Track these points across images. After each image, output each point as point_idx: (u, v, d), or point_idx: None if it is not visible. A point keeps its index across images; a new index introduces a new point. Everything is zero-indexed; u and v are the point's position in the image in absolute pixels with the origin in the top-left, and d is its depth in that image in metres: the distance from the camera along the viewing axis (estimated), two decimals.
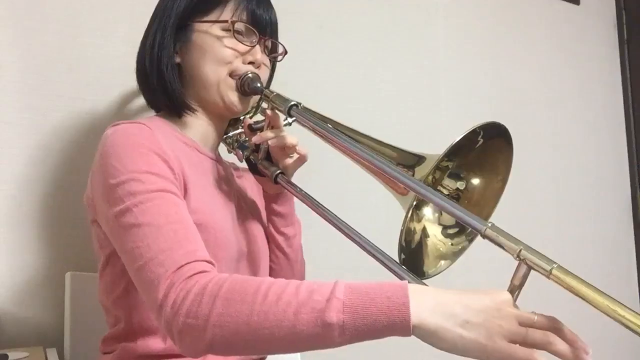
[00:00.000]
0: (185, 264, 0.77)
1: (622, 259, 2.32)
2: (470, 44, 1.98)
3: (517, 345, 0.65)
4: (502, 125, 0.87)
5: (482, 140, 0.88)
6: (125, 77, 1.22)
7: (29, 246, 1.20)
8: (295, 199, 1.06)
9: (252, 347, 0.72)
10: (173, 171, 0.88)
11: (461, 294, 0.68)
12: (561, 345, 0.66)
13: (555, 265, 0.65)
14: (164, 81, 0.99)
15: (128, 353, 0.92)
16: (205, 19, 0.99)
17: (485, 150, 0.89)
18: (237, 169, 1.14)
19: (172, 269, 0.76)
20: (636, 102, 2.40)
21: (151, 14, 1.04)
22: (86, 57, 1.28)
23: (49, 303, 1.20)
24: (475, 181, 0.93)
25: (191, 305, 0.72)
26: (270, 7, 1.05)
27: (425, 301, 0.67)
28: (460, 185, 0.94)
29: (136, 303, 0.92)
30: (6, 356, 0.99)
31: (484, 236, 0.72)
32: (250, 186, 1.14)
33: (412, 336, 0.68)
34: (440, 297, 0.68)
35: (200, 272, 0.76)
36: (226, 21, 0.98)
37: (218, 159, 1.07)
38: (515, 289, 0.69)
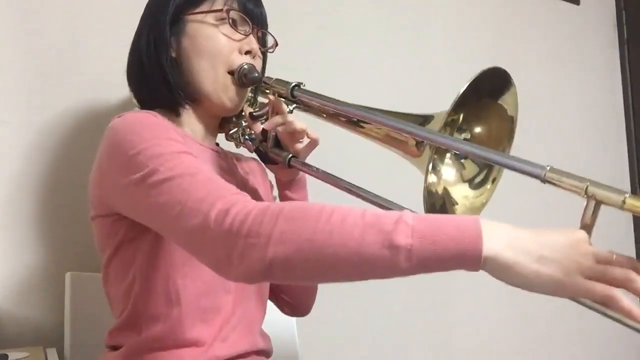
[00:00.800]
0: (232, 194, 0.76)
1: None
2: (469, 44, 1.98)
3: (595, 282, 0.63)
4: (501, 69, 0.86)
5: (483, 89, 0.87)
6: (125, 78, 1.22)
7: (28, 246, 1.20)
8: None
9: (313, 268, 0.69)
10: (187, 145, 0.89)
11: (536, 232, 0.66)
12: None
13: (627, 195, 0.63)
14: (165, 75, 0.98)
15: (135, 348, 0.91)
16: (198, 10, 1.00)
17: (487, 97, 0.88)
18: (239, 159, 1.14)
19: (220, 198, 0.74)
20: (636, 102, 2.40)
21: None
22: (86, 57, 1.28)
23: (49, 303, 1.20)
24: (478, 129, 0.91)
25: (252, 225, 0.70)
26: (259, 2, 1.05)
27: (500, 235, 0.65)
28: (466, 135, 0.91)
29: (142, 291, 0.92)
30: (6, 356, 0.99)
31: (545, 180, 0.68)
32: (254, 176, 1.14)
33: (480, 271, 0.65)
34: (515, 232, 0.66)
35: (252, 201, 0.74)
36: (221, 10, 0.99)
37: (218, 150, 1.07)
38: (587, 228, 0.67)
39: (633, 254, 2.35)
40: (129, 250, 0.92)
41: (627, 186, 2.38)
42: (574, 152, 2.23)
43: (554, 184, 0.68)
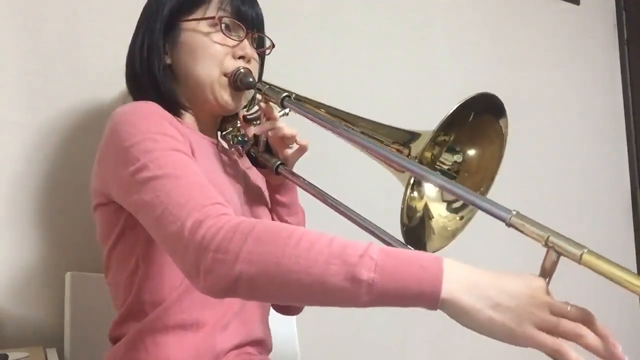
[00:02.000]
0: (211, 204, 0.77)
1: (622, 259, 2.31)
2: (470, 44, 1.98)
3: (546, 334, 0.64)
4: (493, 95, 0.87)
5: (475, 112, 0.88)
6: (124, 78, 1.21)
7: (29, 246, 1.20)
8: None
9: (276, 290, 0.71)
10: (184, 140, 0.90)
11: (496, 277, 0.67)
12: (592, 339, 0.64)
13: (585, 250, 0.64)
14: (156, 82, 0.99)
15: (137, 333, 0.91)
16: (192, 17, 1.00)
17: (479, 120, 0.90)
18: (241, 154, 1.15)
19: (198, 209, 0.76)
20: (636, 102, 2.40)
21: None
22: (86, 57, 1.28)
23: (49, 303, 1.20)
24: (472, 152, 0.93)
25: (222, 241, 0.72)
26: (254, 3, 1.06)
27: (460, 278, 0.66)
28: (458, 158, 0.94)
29: (146, 277, 0.92)
30: (6, 356, 0.99)
31: (509, 225, 0.69)
32: (252, 171, 1.14)
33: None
34: (475, 276, 0.67)
35: (228, 214, 0.76)
36: (213, 17, 0.99)
37: (218, 144, 1.07)
38: (546, 276, 0.68)
39: (633, 256, 2.35)
40: (130, 238, 0.93)
41: (627, 186, 2.38)
42: (574, 152, 2.23)
43: (517, 229, 0.69)
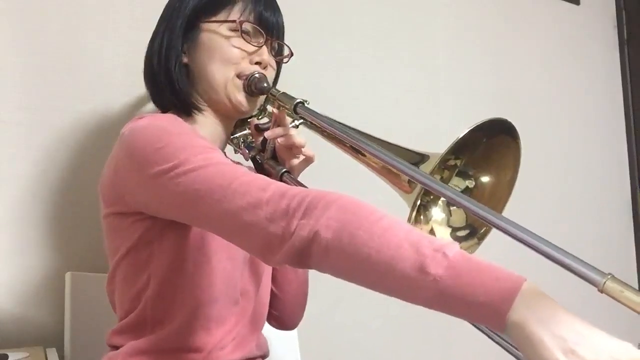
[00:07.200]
0: (273, 182, 0.76)
1: (622, 259, 2.32)
2: (470, 45, 1.98)
3: None
4: (507, 120, 0.86)
5: (487, 137, 0.87)
6: (125, 77, 1.22)
7: (29, 246, 1.20)
8: None
9: (346, 262, 0.69)
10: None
11: (584, 324, 0.58)
12: None
13: None
14: (172, 80, 0.99)
15: (136, 349, 0.91)
16: (213, 19, 1.00)
17: (492, 145, 0.89)
18: (247, 158, 1.15)
19: (272, 183, 0.75)
20: (636, 102, 2.40)
21: (154, 15, 1.04)
22: (86, 57, 1.28)
23: (49, 303, 1.20)
24: (485, 178, 0.92)
25: (307, 208, 0.71)
26: (277, 10, 1.06)
27: (538, 306, 0.59)
28: (470, 183, 0.92)
29: (155, 295, 0.91)
30: (6, 356, 0.99)
31: (602, 291, 0.58)
32: None
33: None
34: (558, 312, 0.58)
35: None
36: (234, 21, 0.99)
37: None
38: None
39: (633, 257, 2.35)
40: (144, 253, 0.91)
41: (627, 186, 2.38)
42: (574, 152, 2.23)
43: (612, 296, 0.58)
